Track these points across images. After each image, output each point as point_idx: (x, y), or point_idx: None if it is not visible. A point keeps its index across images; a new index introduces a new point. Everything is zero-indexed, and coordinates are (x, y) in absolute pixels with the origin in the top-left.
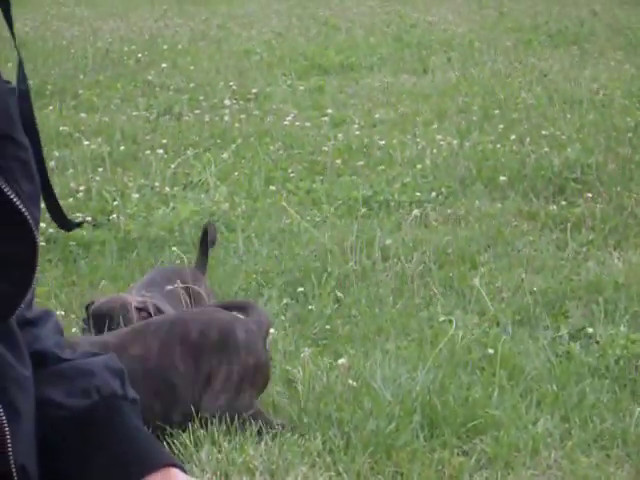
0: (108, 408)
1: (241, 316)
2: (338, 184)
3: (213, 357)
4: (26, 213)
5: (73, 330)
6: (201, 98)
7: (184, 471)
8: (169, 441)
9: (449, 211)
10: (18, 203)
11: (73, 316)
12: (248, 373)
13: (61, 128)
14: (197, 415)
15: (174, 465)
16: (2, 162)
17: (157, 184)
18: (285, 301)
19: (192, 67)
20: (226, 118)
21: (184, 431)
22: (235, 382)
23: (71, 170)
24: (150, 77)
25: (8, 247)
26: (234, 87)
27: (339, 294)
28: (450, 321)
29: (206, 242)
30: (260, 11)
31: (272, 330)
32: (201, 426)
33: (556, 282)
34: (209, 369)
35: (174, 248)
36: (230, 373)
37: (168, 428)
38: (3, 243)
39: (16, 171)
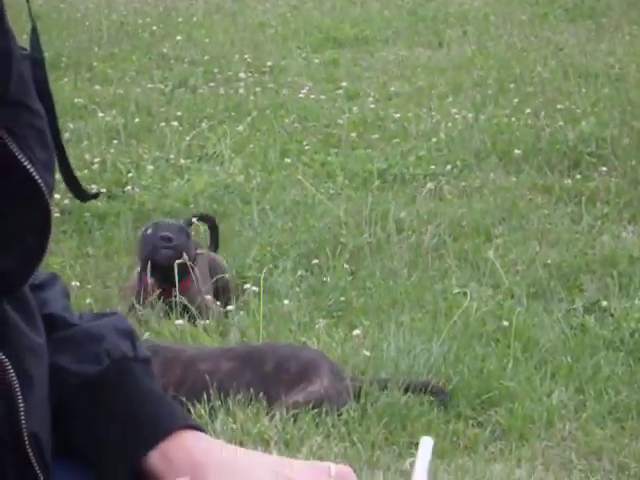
0: (119, 372)
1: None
2: (353, 157)
3: (289, 389)
4: (40, 181)
5: (87, 301)
6: (216, 71)
7: (202, 431)
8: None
9: (463, 184)
10: (32, 171)
11: (89, 286)
12: (329, 397)
13: (76, 100)
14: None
15: (190, 426)
16: (16, 129)
17: (172, 156)
18: (300, 273)
19: (207, 40)
20: (241, 91)
21: (199, 401)
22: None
23: (86, 142)
24: (165, 50)
25: (22, 215)
26: (249, 60)
27: (351, 267)
28: (464, 293)
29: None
30: None
31: (286, 302)
32: (216, 396)
33: (571, 255)
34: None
35: (194, 219)
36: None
37: (183, 399)
38: (17, 211)
39: (30, 139)
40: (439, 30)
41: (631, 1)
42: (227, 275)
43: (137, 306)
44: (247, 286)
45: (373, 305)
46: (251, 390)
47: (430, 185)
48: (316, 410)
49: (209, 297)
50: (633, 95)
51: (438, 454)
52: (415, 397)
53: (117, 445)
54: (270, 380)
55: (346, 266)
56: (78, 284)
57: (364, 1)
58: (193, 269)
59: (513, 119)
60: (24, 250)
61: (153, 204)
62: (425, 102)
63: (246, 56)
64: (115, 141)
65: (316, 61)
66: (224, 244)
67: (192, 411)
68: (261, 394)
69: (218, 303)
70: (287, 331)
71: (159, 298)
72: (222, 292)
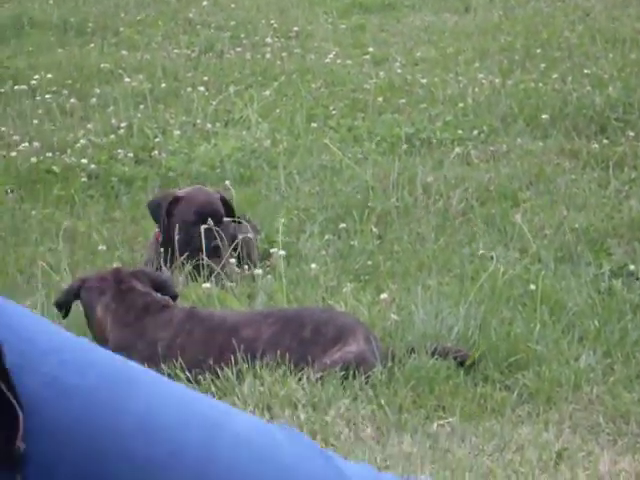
0: None
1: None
2: (380, 121)
3: (326, 352)
4: None
5: (114, 265)
6: (242, 36)
7: None
8: (212, 375)
9: (491, 149)
10: None
11: (117, 253)
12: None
13: (102, 65)
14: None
15: None
16: None
17: (199, 121)
18: (327, 237)
19: (233, 5)
20: (268, 56)
21: (227, 365)
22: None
23: (112, 107)
24: (191, 15)
25: None
26: (275, 25)
27: (379, 231)
28: (492, 257)
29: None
30: None
31: (314, 265)
32: (244, 359)
33: (598, 220)
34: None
35: (226, 182)
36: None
37: (210, 361)
38: None
39: None
40: None
41: None
42: (250, 236)
43: (164, 268)
44: (274, 250)
45: (400, 269)
46: (287, 355)
47: (457, 150)
48: (343, 373)
49: (233, 260)
50: None
51: (465, 417)
52: (442, 360)
53: None
54: (308, 343)
55: (374, 230)
56: (105, 248)
57: None
58: (219, 234)
59: (540, 84)
60: None
61: (180, 169)
62: (452, 67)
63: (272, 21)
64: (142, 106)
65: (342, 26)
66: (251, 208)
67: (220, 374)
68: (296, 357)
69: (244, 267)
70: (314, 295)
71: (186, 261)
72: (245, 254)
